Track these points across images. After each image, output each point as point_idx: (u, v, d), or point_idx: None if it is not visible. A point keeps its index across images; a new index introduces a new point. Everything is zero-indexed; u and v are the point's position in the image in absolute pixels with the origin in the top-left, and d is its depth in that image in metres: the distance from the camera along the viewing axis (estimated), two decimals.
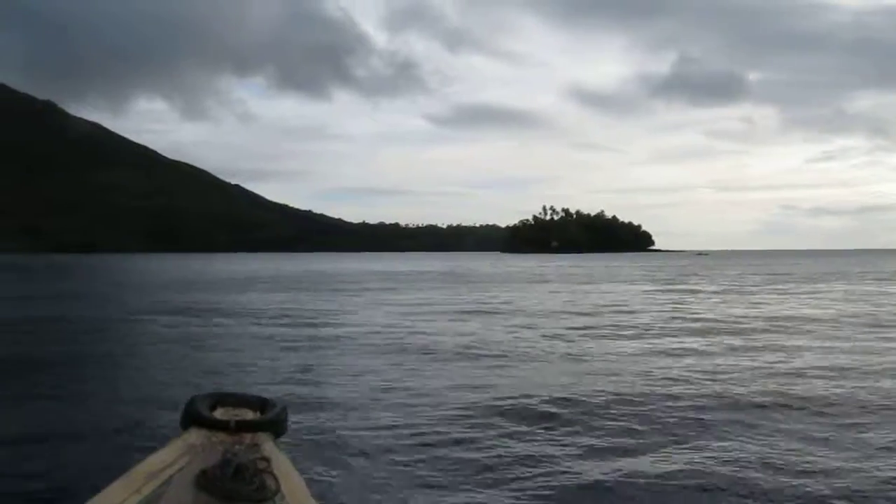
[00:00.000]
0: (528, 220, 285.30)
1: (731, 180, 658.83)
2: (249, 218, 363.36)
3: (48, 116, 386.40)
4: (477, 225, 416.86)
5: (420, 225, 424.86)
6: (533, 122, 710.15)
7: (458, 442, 7.00)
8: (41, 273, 56.92)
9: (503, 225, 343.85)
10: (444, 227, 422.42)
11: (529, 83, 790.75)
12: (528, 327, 18.24)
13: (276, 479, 2.60)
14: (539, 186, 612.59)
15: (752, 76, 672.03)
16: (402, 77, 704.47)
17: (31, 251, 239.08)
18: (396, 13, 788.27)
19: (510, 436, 7.25)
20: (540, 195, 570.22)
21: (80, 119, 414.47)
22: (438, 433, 7.31)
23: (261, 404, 3.40)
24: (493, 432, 7.34)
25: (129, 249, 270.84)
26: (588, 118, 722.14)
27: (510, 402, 8.78)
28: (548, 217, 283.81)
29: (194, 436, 3.00)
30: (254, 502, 2.47)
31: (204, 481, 2.51)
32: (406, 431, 7.34)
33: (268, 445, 2.93)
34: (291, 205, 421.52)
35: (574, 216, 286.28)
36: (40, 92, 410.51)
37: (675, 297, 29.95)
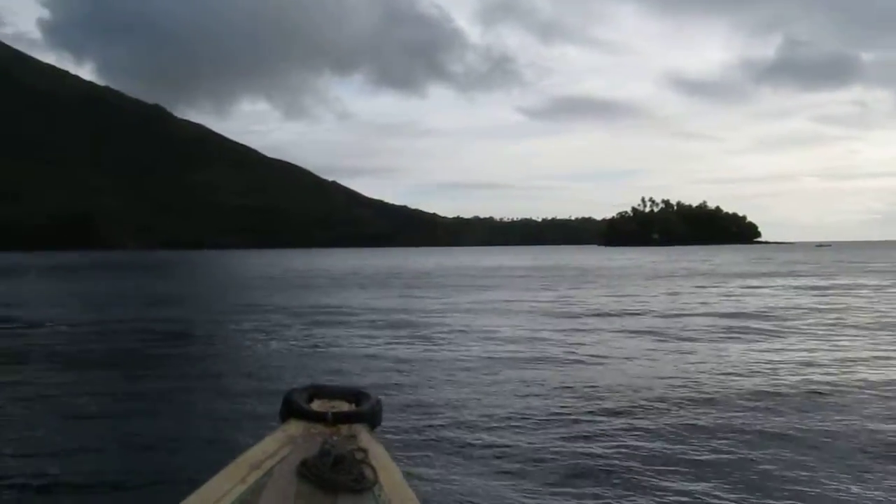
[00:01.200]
0: (626, 212, 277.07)
1: (841, 168, 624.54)
2: (347, 214, 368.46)
3: (156, 120, 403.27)
4: (572, 218, 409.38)
5: (514, 219, 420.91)
6: (628, 112, 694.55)
7: (573, 444, 6.45)
8: (154, 269, 56.78)
9: (598, 218, 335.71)
10: (539, 220, 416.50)
11: (625, 73, 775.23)
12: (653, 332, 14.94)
13: (373, 469, 2.65)
14: (635, 178, 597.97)
15: (865, 57, 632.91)
16: (497, 71, 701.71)
17: (146, 248, 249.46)
18: (490, 7, 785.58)
19: (597, 436, 6.69)
20: (636, 187, 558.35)
21: (185, 121, 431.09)
22: (547, 434, 6.78)
23: (356, 396, 3.55)
24: (595, 435, 6.73)
25: (232, 246, 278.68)
26: (686, 106, 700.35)
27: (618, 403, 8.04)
28: (647, 209, 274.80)
29: (293, 427, 3.13)
30: (353, 492, 2.53)
31: (305, 471, 2.60)
32: (505, 430, 6.91)
33: (364, 436, 3.02)
34: (387, 200, 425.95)
35: (675, 207, 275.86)
36: (150, 97, 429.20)
37: (843, 293, 25.23)
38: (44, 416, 7.77)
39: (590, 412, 7.64)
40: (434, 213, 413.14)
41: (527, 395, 8.54)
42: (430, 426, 7.06)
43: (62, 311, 21.53)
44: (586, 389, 8.84)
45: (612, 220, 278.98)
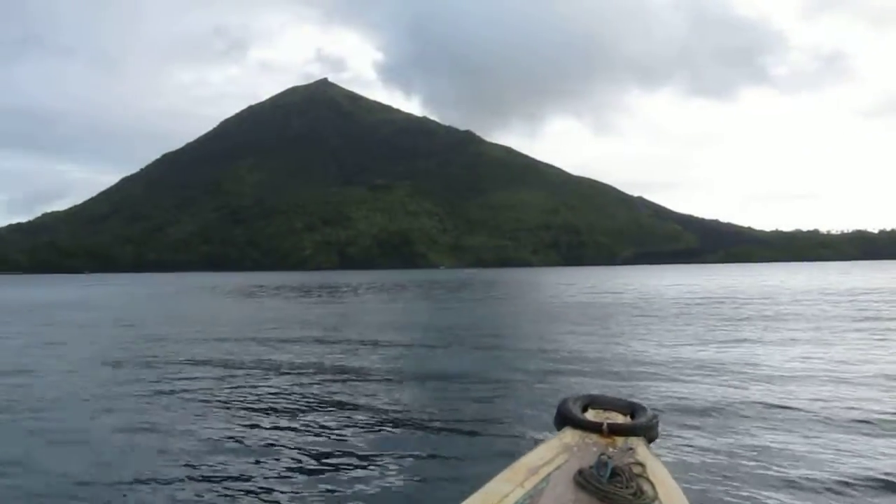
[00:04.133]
0: None
1: None
2: (653, 230, 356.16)
3: (467, 144, 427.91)
4: None
5: (844, 231, 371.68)
6: None
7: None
8: (480, 287, 57.30)
9: None
10: (876, 231, 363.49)
11: None
12: None
13: (652, 485, 2.65)
14: None
15: None
16: (826, 70, 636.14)
17: (458, 267, 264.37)
18: (814, 2, 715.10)
19: None
20: None
21: (494, 144, 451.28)
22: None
23: (630, 409, 3.57)
24: None
25: (537, 263, 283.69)
26: None
27: None
28: None
29: (569, 436, 3.18)
30: None
31: (582, 481, 2.62)
32: (801, 463, 6.05)
33: (641, 450, 3.02)
34: (697, 215, 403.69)
35: None
36: (464, 124, 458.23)
37: None
38: (356, 424, 7.74)
39: None
40: (749, 227, 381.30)
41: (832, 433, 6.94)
42: (711, 448, 6.39)
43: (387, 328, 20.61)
44: None
45: None
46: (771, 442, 6.63)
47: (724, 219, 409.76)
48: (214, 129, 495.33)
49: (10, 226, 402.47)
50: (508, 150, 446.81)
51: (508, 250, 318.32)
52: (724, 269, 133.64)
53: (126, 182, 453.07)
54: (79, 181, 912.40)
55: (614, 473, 2.63)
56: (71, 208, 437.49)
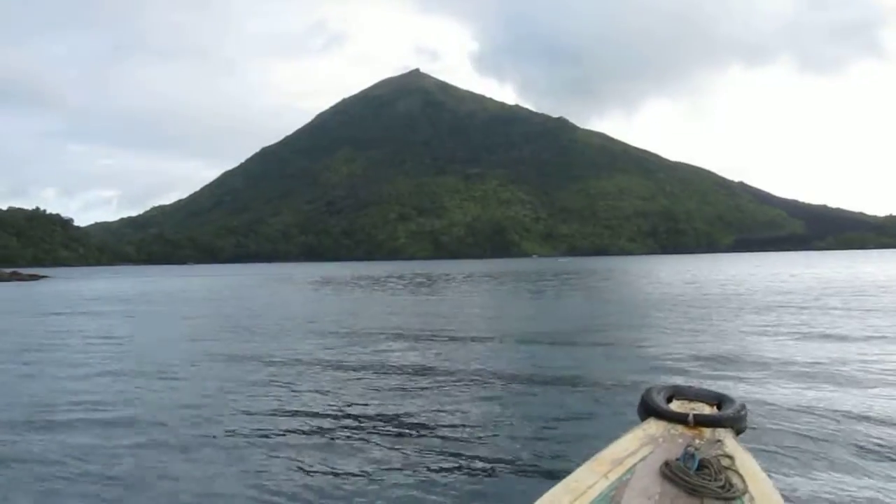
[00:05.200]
0: None
1: None
2: (755, 216, 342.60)
3: (561, 131, 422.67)
4: None
5: None
6: None
7: None
8: (575, 276, 56.65)
9: None
10: None
11: None
12: None
13: (742, 477, 2.58)
14: None
15: None
16: None
17: (552, 255, 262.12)
18: None
19: None
20: None
21: (588, 131, 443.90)
22: None
23: (717, 399, 3.48)
24: None
25: (634, 252, 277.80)
26: None
27: None
28: None
29: (653, 427, 3.13)
30: (720, 499, 2.46)
31: (668, 473, 2.58)
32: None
33: (730, 442, 2.93)
34: (802, 199, 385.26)
35: None
36: (558, 111, 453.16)
37: None
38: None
39: None
40: (860, 212, 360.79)
41: None
42: (803, 442, 6.19)
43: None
44: None
45: None
46: (867, 439, 6.32)
47: (832, 204, 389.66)
48: (310, 123, 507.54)
49: (122, 220, 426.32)
50: (603, 137, 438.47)
51: (604, 238, 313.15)
52: (834, 257, 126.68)
53: (227, 176, 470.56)
54: (184, 176, 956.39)
55: (702, 466, 2.57)
56: (177, 202, 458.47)
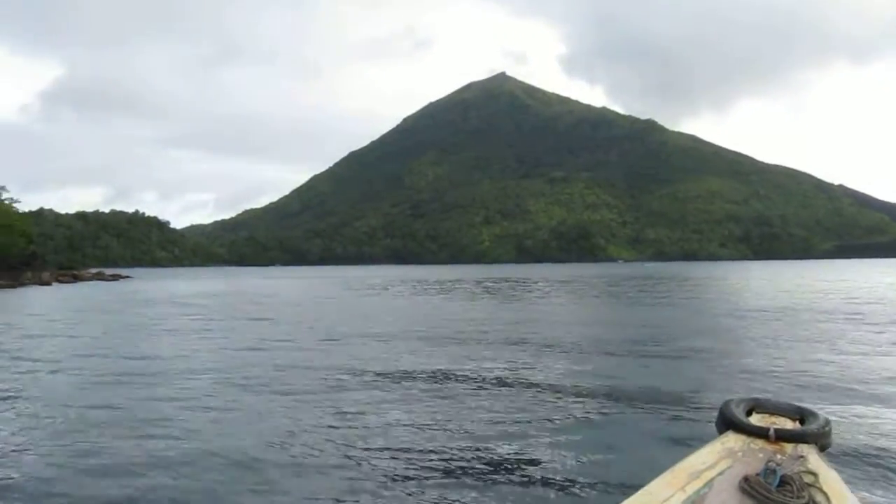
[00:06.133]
0: None
1: None
2: (856, 220, 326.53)
3: (649, 133, 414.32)
4: None
5: None
6: None
7: None
8: (658, 281, 55.32)
9: None
10: None
11: None
12: None
13: (826, 496, 2.51)
14: None
15: None
16: None
17: (638, 260, 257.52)
18: None
19: None
20: None
21: (678, 133, 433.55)
22: None
23: (799, 414, 3.35)
24: None
25: (724, 257, 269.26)
26: None
27: None
28: None
29: (732, 440, 3.04)
30: None
31: (748, 488, 2.51)
32: None
33: (813, 458, 2.85)
34: None
35: None
36: (647, 112, 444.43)
37: None
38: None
39: None
40: None
41: None
42: (892, 458, 5.94)
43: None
44: None
45: None
46: None
47: None
48: (397, 126, 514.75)
49: (216, 222, 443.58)
50: (694, 139, 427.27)
51: (693, 243, 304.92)
52: None
53: (315, 180, 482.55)
54: (275, 180, 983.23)
55: (783, 482, 2.50)
56: (267, 205, 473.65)
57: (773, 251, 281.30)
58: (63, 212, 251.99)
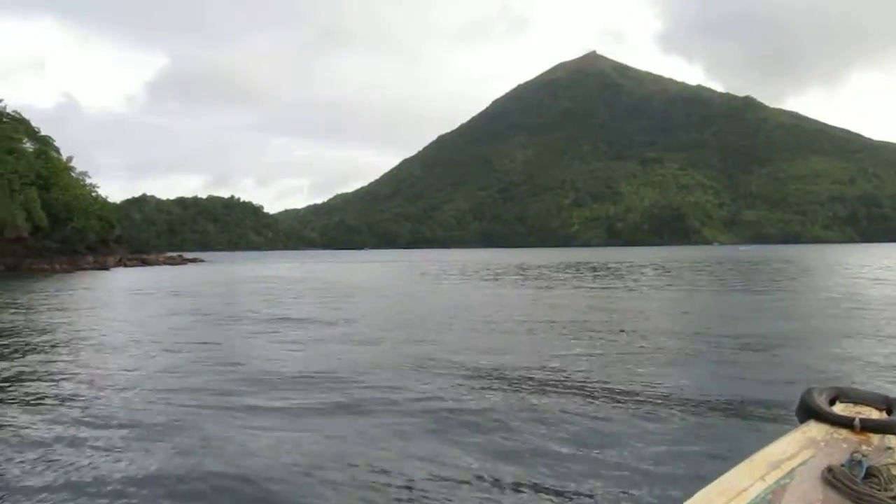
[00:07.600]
0: None
1: None
2: None
3: (748, 112, 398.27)
4: None
5: None
6: None
7: None
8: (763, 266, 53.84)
9: None
10: None
11: None
12: None
13: None
14: None
15: None
16: None
17: (735, 243, 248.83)
18: None
19: None
20: None
21: (778, 110, 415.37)
22: None
23: (886, 404, 3.26)
24: None
25: (829, 240, 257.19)
26: None
27: None
28: None
29: (814, 430, 2.94)
30: None
31: (832, 479, 2.43)
32: None
33: None
34: None
35: None
36: (747, 89, 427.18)
37: None
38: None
39: None
40: None
41: None
42: None
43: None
44: None
45: None
46: None
47: None
48: (486, 109, 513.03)
49: (308, 207, 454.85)
50: (796, 116, 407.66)
51: (794, 225, 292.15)
52: None
53: (406, 164, 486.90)
54: (366, 165, 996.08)
55: (869, 474, 2.39)
56: (358, 189, 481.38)
57: (882, 233, 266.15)
58: (164, 198, 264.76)
